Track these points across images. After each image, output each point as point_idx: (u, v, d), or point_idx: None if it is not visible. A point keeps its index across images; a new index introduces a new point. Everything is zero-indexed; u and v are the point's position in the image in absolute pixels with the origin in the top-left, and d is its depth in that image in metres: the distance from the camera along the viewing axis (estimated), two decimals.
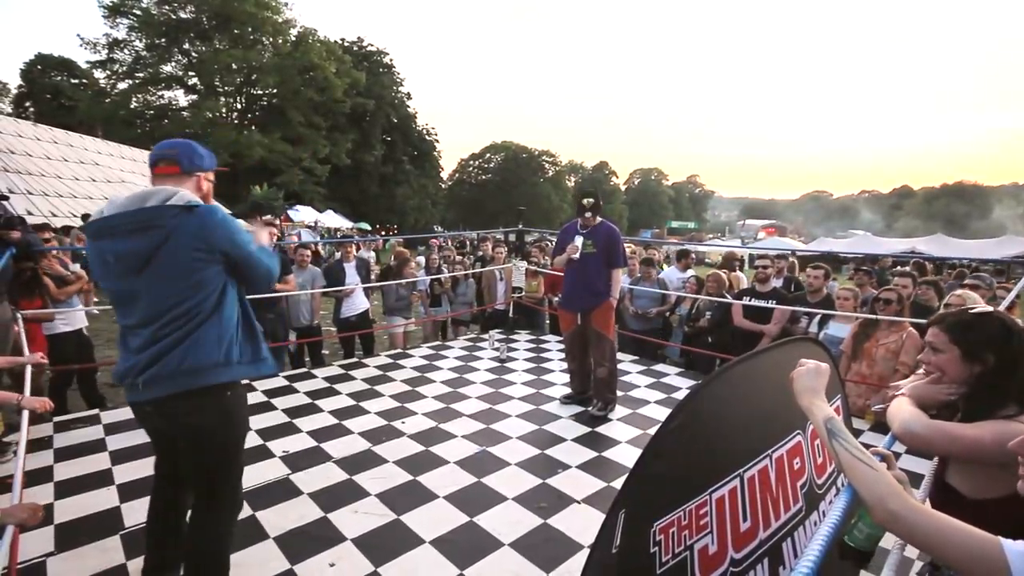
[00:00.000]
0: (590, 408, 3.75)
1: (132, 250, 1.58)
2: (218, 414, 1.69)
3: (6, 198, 3.71)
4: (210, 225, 1.62)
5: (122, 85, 29.71)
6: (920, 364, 3.31)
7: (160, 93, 30.95)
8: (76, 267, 4.67)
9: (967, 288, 3.77)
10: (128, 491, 2.59)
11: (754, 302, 4.50)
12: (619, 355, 5.28)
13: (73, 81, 32.56)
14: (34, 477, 2.65)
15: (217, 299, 1.67)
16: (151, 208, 1.58)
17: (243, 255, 1.70)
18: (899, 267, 7.51)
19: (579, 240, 3.77)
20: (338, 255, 5.58)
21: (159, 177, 1.71)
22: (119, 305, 1.68)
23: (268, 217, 2.14)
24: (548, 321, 6.49)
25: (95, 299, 4.79)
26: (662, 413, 3.70)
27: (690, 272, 5.96)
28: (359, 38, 39.44)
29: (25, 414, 2.23)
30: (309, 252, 5.43)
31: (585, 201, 3.85)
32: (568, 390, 4.08)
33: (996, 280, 4.97)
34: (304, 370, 4.67)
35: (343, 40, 37.84)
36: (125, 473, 2.76)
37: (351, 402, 3.86)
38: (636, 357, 5.19)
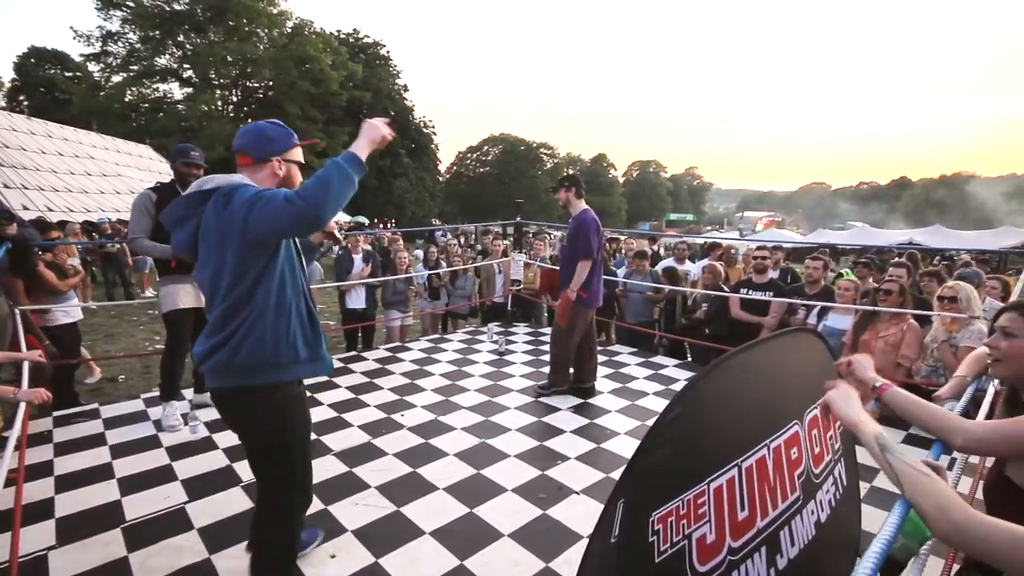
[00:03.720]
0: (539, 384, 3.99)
1: (182, 239, 1.61)
2: (267, 412, 1.62)
3: None
4: (221, 206, 1.51)
5: (116, 78, 29.47)
6: (918, 358, 3.29)
7: (155, 86, 30.71)
8: (75, 261, 4.69)
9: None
10: (129, 485, 2.59)
11: (751, 294, 4.51)
12: (617, 347, 5.33)
13: (67, 74, 32.30)
14: (34, 471, 2.65)
15: (250, 289, 1.54)
16: (189, 196, 1.59)
17: (254, 223, 1.46)
18: (897, 258, 7.52)
19: (556, 235, 3.87)
20: (337, 249, 5.59)
21: (239, 167, 1.68)
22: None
23: None
24: (546, 314, 6.50)
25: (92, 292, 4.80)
26: (660, 404, 3.71)
27: (688, 264, 5.97)
28: (355, 30, 39.15)
29: (21, 407, 2.23)
30: None
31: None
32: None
33: (985, 270, 5.03)
34: None
35: (339, 32, 37.55)
36: (125, 467, 2.77)
37: (350, 395, 3.87)
38: (634, 349, 5.20)
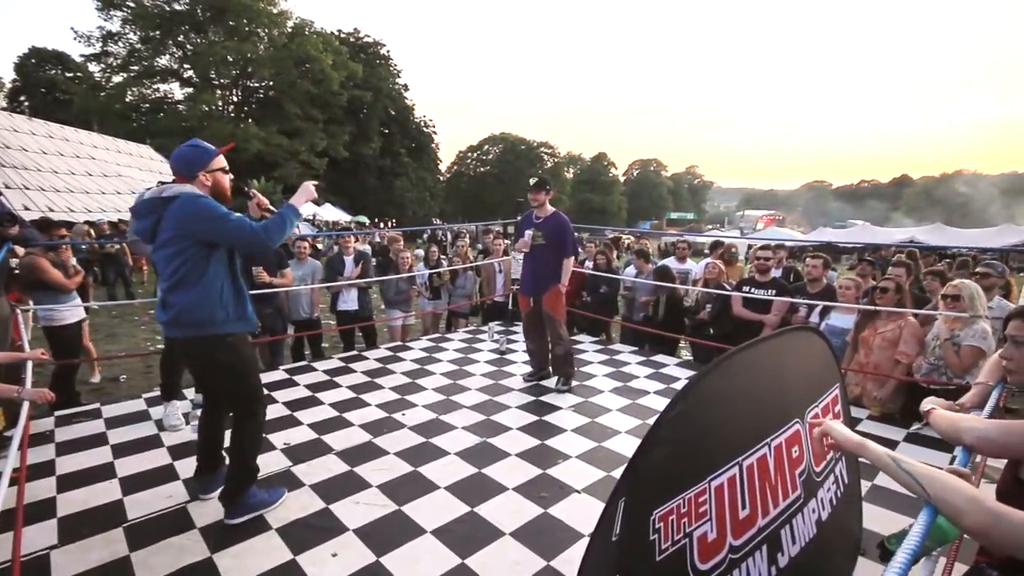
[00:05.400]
0: (554, 385, 4.03)
1: (144, 228, 2.14)
2: (225, 349, 2.20)
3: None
4: (184, 211, 2.05)
5: (117, 78, 29.50)
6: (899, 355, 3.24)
7: (155, 86, 30.77)
8: (73, 261, 4.71)
9: (976, 277, 3.75)
10: (130, 484, 2.60)
11: (754, 292, 4.50)
12: (618, 345, 5.34)
13: (68, 75, 32.31)
14: (36, 471, 2.66)
15: (200, 269, 2.10)
16: (151, 199, 2.12)
17: (220, 233, 2.09)
18: (897, 256, 7.51)
19: (528, 234, 4.00)
20: (336, 248, 5.60)
21: (178, 182, 2.17)
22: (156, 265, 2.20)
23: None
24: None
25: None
26: (661, 403, 3.71)
27: (689, 263, 5.96)
28: (355, 29, 39.16)
29: (24, 406, 2.24)
30: (307, 245, 5.43)
31: (530, 181, 4.06)
32: (529, 368, 4.34)
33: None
34: (304, 363, 4.67)
35: (339, 31, 37.56)
36: (127, 466, 2.77)
37: (351, 394, 3.87)
38: (635, 348, 5.20)
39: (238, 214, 2.17)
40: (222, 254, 2.18)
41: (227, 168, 2.29)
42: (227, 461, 2.42)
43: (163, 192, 2.11)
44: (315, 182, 2.42)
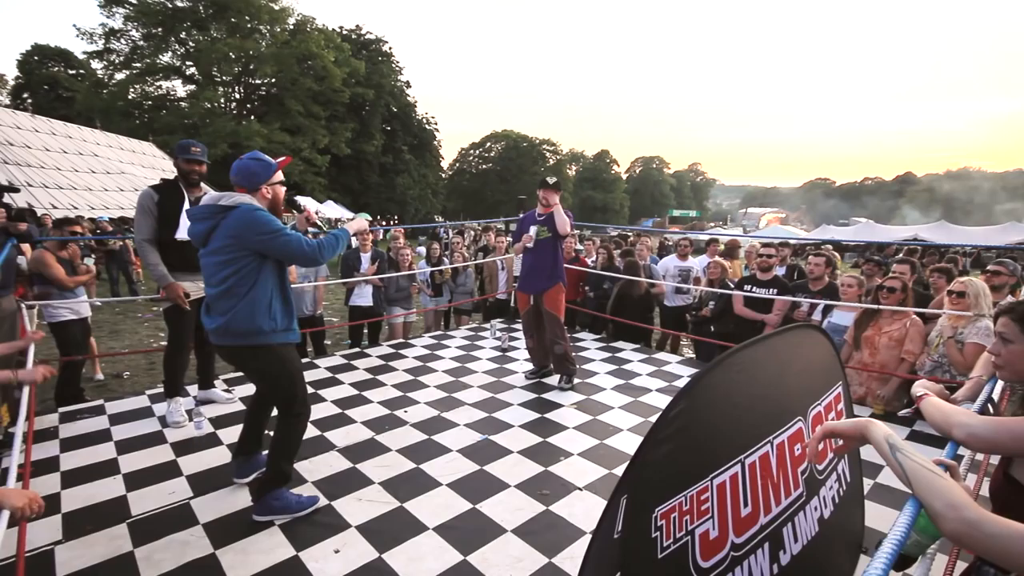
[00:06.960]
0: (556, 383, 4.05)
1: (198, 232, 2.21)
2: (268, 358, 2.26)
3: (17, 190, 3.81)
4: (242, 222, 2.11)
5: (120, 75, 29.52)
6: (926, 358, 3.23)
7: (158, 83, 30.75)
8: (90, 261, 4.75)
9: (988, 274, 3.72)
10: (134, 480, 2.61)
11: (755, 291, 4.49)
12: (620, 343, 5.34)
13: (70, 72, 32.37)
14: (41, 467, 2.68)
15: (250, 279, 2.16)
16: (209, 204, 2.18)
17: (275, 247, 2.16)
18: (900, 254, 7.48)
19: (533, 230, 4.00)
20: (355, 244, 5.66)
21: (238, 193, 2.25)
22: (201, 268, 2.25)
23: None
24: None
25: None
26: (663, 401, 3.71)
27: (691, 260, 5.96)
28: (357, 26, 39.17)
29: (24, 396, 2.24)
30: None
31: (548, 179, 4.04)
32: (530, 366, 4.36)
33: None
34: (307, 360, 4.68)
35: (341, 28, 37.56)
36: (131, 463, 2.78)
37: (354, 391, 3.88)
38: (637, 345, 5.20)
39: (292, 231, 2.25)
40: (273, 266, 2.23)
41: (284, 180, 2.37)
42: (264, 453, 2.49)
43: (221, 200, 2.17)
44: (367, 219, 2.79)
